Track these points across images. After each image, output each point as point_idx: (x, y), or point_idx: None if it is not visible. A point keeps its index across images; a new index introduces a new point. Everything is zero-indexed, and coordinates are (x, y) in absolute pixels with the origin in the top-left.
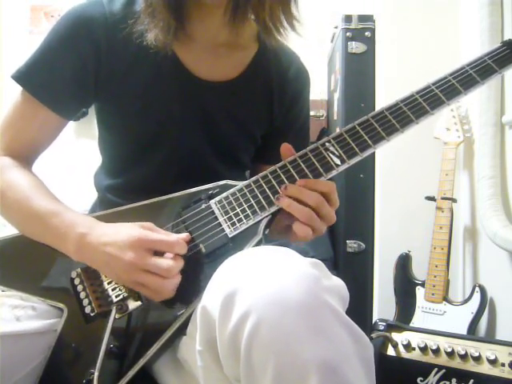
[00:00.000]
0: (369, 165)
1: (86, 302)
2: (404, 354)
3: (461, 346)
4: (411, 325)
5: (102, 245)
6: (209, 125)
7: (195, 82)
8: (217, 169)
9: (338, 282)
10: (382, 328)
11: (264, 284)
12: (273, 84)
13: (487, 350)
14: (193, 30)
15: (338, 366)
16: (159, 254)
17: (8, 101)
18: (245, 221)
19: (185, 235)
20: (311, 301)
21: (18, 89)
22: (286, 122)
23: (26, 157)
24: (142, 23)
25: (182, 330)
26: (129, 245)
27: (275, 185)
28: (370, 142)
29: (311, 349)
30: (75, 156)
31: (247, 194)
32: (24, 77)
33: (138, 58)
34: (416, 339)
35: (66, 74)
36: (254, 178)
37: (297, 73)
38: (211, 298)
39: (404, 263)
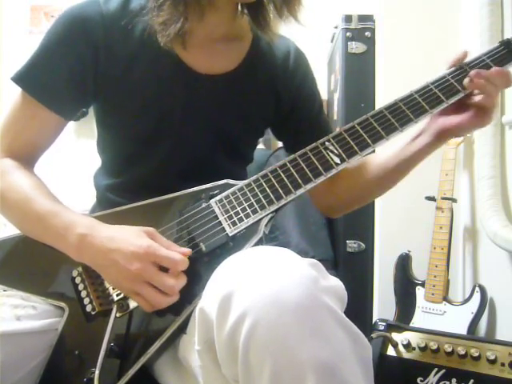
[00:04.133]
0: None
1: (86, 300)
2: (404, 354)
3: (461, 346)
4: (411, 325)
5: (107, 249)
6: (210, 119)
7: (195, 77)
8: (219, 164)
9: (335, 283)
10: (382, 328)
11: (261, 285)
12: (275, 71)
13: (487, 350)
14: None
15: (336, 366)
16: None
17: (8, 100)
18: (245, 220)
19: (187, 250)
20: (309, 302)
21: (17, 90)
22: (301, 105)
23: (27, 158)
24: (163, 16)
25: (182, 329)
26: (136, 256)
27: (275, 184)
28: (369, 141)
29: (308, 349)
30: (75, 156)
31: (247, 193)
32: (23, 78)
33: (136, 56)
34: (416, 339)
35: (65, 75)
36: (254, 177)
37: (297, 56)
38: (209, 299)
39: (404, 263)
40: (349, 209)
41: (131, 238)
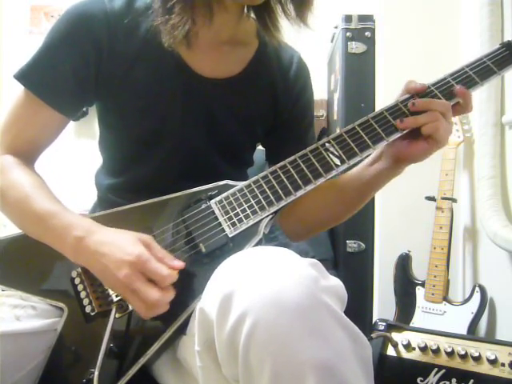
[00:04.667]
0: None
1: (86, 301)
2: (404, 354)
3: (461, 346)
4: (411, 325)
5: (99, 254)
6: (211, 122)
7: (197, 80)
8: (218, 166)
9: (335, 282)
10: (382, 328)
11: (261, 285)
12: (276, 78)
13: (487, 350)
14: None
15: (336, 366)
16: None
17: (8, 100)
18: (245, 221)
19: (179, 264)
20: (309, 301)
21: (19, 88)
22: (296, 115)
23: (27, 155)
24: (172, 19)
25: (181, 330)
26: (125, 263)
27: (275, 185)
28: (369, 142)
29: (308, 349)
30: (75, 156)
31: (247, 194)
32: (26, 76)
33: (139, 55)
34: (416, 339)
35: (68, 73)
36: (254, 178)
37: (299, 67)
38: (209, 299)
39: (404, 263)
40: (312, 233)
41: (124, 244)
